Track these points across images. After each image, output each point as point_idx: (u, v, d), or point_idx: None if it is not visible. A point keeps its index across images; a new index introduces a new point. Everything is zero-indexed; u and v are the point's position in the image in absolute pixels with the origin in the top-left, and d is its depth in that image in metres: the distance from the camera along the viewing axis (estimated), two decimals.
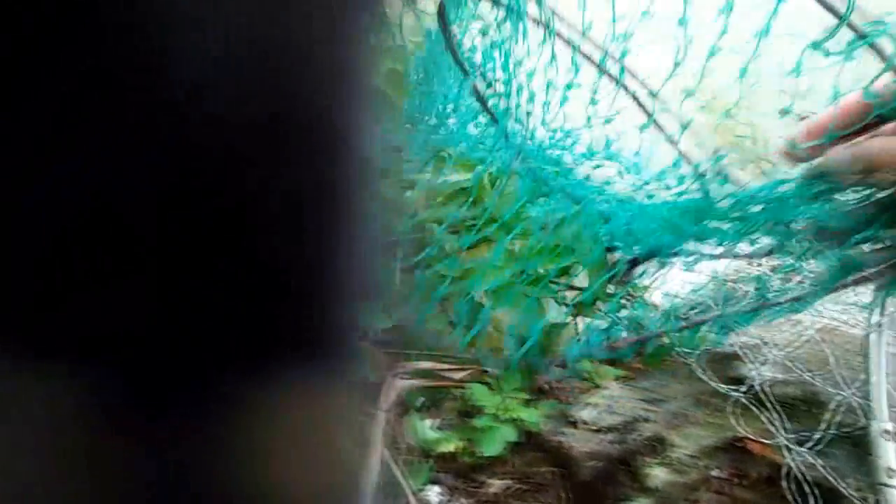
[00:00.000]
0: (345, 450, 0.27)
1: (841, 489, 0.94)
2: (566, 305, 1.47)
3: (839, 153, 0.71)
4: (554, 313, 1.43)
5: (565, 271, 1.41)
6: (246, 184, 0.21)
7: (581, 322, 1.57)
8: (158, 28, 0.18)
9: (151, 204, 0.19)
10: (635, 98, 1.10)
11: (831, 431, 1.02)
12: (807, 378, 1.10)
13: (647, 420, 1.22)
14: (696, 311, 1.44)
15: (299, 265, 0.23)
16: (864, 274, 0.86)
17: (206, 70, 0.19)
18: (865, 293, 1.25)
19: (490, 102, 1.06)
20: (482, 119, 1.18)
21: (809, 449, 1.00)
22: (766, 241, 0.99)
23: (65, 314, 0.19)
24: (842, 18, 0.65)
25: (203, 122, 0.19)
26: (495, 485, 1.28)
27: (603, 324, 1.54)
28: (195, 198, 0.20)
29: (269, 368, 0.23)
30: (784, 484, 0.99)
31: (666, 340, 1.34)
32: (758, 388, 1.12)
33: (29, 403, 0.19)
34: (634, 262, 1.67)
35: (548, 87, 1.01)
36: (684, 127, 1.05)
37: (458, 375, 1.41)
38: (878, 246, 0.81)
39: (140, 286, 0.20)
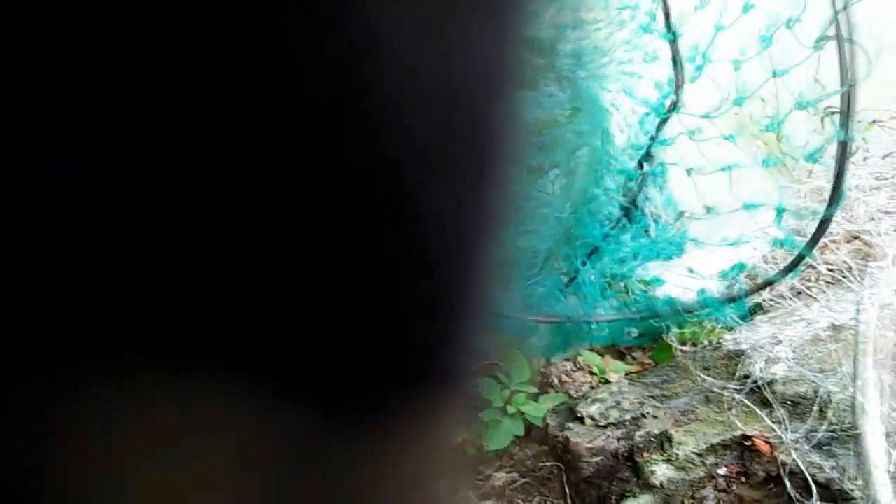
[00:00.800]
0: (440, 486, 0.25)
1: (846, 488, 0.92)
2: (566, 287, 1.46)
3: None
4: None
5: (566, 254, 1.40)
6: (398, 192, 0.19)
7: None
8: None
9: (280, 207, 0.17)
10: None
11: (839, 431, 0.99)
12: (815, 377, 1.07)
13: (653, 416, 1.20)
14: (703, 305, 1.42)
15: (439, 278, 0.21)
16: None
17: (367, 73, 0.17)
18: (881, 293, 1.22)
19: None
20: None
21: (815, 447, 0.98)
22: None
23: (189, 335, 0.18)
24: None
25: (358, 129, 0.17)
26: (500, 478, 1.28)
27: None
28: (338, 201, 0.18)
29: (388, 395, 0.21)
30: (788, 482, 0.97)
31: (671, 334, 1.32)
32: (766, 386, 1.10)
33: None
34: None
35: None
36: None
37: None
38: None
39: (262, 298, 0.18)
